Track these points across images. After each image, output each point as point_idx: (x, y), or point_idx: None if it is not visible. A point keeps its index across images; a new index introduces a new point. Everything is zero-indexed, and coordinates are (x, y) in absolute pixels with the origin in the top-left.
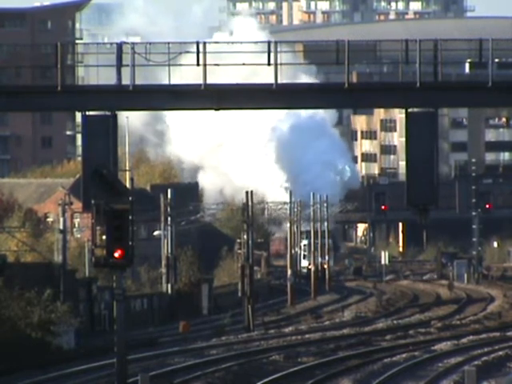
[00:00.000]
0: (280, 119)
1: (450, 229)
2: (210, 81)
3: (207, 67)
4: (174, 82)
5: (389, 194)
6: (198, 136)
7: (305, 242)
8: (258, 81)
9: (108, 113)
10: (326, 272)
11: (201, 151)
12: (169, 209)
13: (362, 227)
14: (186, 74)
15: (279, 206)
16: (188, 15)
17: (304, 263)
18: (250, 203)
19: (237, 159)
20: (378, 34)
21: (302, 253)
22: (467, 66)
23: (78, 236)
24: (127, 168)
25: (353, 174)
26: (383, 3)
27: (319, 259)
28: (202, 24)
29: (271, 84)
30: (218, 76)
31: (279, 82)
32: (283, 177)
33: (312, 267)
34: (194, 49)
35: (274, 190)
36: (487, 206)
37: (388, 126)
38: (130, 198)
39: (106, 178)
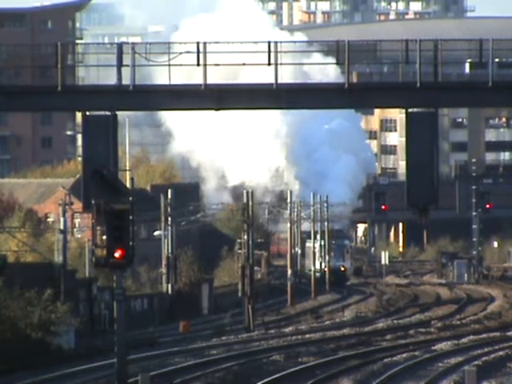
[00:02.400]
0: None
1: (450, 229)
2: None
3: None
4: (163, 80)
5: (389, 194)
6: (200, 130)
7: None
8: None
9: (108, 113)
10: (327, 271)
11: (204, 145)
12: (169, 209)
13: (362, 227)
14: (177, 72)
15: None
16: (187, 14)
17: (318, 265)
18: (250, 203)
19: (240, 152)
20: (378, 34)
21: (317, 254)
22: (467, 65)
23: (79, 236)
24: (127, 168)
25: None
26: (383, 3)
27: (338, 260)
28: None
29: (271, 84)
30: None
31: (279, 81)
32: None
33: (312, 267)
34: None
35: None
36: (487, 206)
37: (388, 126)
38: (131, 198)
39: (107, 178)
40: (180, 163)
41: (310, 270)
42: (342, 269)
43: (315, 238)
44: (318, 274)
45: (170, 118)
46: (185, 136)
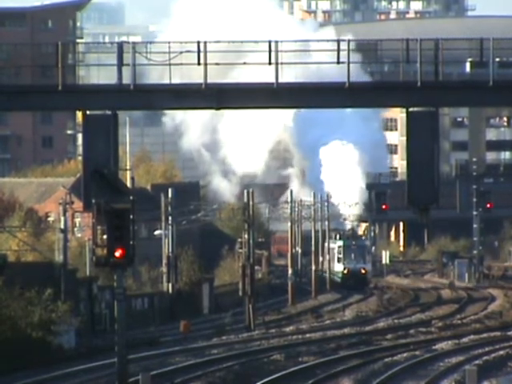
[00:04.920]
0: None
1: (450, 228)
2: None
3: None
4: (158, 79)
5: (389, 193)
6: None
7: (339, 243)
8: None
9: (109, 112)
10: (327, 272)
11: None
12: (169, 208)
13: (362, 226)
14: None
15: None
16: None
17: (338, 267)
18: (250, 202)
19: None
20: (378, 33)
21: (336, 255)
22: (468, 65)
23: (79, 235)
24: (128, 167)
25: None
26: (384, 2)
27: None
28: None
29: (272, 83)
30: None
31: (280, 81)
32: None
33: (313, 266)
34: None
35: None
36: (488, 206)
37: (388, 125)
38: (131, 198)
39: (107, 177)
40: (189, 158)
41: (334, 273)
42: (363, 271)
43: (316, 237)
44: (339, 277)
45: (178, 115)
46: (194, 130)
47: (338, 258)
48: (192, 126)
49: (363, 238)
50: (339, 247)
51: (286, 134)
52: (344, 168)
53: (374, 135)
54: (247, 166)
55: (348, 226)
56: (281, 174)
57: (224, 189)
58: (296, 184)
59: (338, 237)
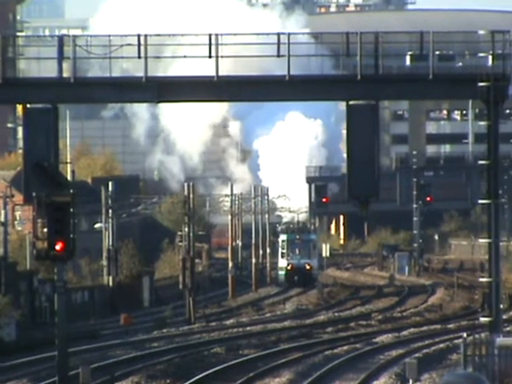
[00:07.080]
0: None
1: (391, 221)
2: None
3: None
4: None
5: (330, 186)
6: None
7: (283, 237)
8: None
9: (49, 105)
10: (267, 264)
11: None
12: (110, 201)
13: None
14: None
15: (221, 198)
16: None
17: (282, 263)
18: (191, 195)
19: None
20: (318, 26)
21: (280, 250)
22: (408, 58)
23: (19, 228)
24: (68, 160)
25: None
26: None
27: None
28: None
29: (212, 76)
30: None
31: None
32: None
33: (254, 259)
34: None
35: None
36: (428, 199)
37: None
38: (71, 191)
39: (47, 170)
40: (132, 152)
41: (283, 269)
42: (308, 267)
43: (257, 231)
44: (282, 273)
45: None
46: (139, 118)
47: (282, 254)
48: (136, 113)
49: (310, 231)
50: (282, 242)
51: (227, 115)
52: (287, 158)
53: (331, 128)
54: (189, 147)
55: (295, 219)
56: (219, 147)
57: (169, 170)
58: (234, 160)
59: (284, 230)
